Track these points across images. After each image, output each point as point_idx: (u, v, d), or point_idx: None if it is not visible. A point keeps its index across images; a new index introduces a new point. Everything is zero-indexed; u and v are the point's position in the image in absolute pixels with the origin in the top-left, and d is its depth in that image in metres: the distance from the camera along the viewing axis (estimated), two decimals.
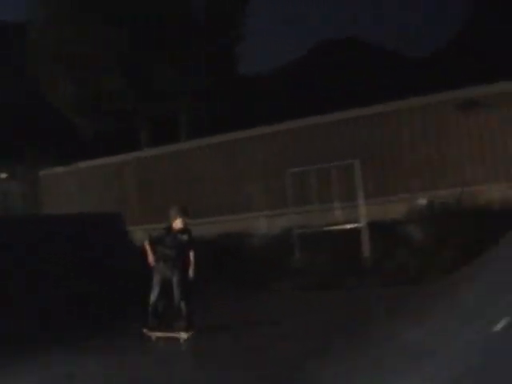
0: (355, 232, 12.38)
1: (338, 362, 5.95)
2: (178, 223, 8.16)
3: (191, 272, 8.16)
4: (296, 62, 33.40)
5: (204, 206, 15.67)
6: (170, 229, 8.23)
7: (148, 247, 8.22)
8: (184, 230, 8.22)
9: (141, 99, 20.83)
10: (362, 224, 12.27)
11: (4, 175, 24.08)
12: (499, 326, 4.44)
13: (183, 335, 7.95)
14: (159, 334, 8.14)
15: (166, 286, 8.15)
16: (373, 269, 11.67)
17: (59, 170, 19.90)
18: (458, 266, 10.23)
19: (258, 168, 15.29)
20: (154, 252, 8.18)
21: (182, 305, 8.01)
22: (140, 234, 15.73)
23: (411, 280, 10.68)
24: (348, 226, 12.44)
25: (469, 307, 6.28)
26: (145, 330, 8.19)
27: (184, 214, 8.25)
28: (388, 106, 14.25)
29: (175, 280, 8.06)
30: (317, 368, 5.81)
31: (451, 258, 10.89)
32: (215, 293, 11.20)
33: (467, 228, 11.46)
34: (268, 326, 8.53)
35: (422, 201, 12.89)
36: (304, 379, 5.63)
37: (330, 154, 13.96)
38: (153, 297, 8.17)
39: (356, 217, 12.54)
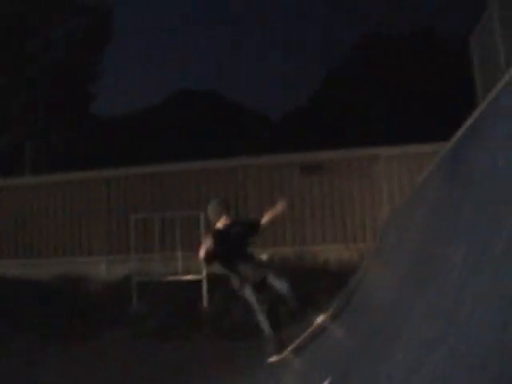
0: (196, 283, 12.30)
1: None
2: (223, 220, 7.28)
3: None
4: (152, 108, 33.39)
5: (43, 245, 14.92)
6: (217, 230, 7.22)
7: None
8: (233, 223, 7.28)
9: None
10: (202, 275, 12.22)
11: None
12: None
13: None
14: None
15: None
16: (210, 321, 11.58)
17: None
18: (297, 322, 10.47)
19: (101, 211, 14.84)
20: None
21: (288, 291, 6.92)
22: None
23: (247, 334, 10.72)
24: (188, 277, 12.34)
25: (302, 364, 6.37)
26: (271, 360, 6.85)
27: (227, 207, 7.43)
28: (236, 161, 14.57)
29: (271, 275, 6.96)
30: None
31: (289, 314, 11.09)
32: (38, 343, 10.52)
33: (306, 285, 11.78)
34: None
35: (264, 256, 13.14)
36: None
37: (176, 202, 13.94)
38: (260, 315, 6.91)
39: (197, 268, 12.47)
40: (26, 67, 20.23)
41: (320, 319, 6.95)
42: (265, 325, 6.98)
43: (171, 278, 12.48)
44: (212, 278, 12.29)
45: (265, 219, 7.53)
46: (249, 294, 6.95)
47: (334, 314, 7.36)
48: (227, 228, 7.28)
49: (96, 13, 22.44)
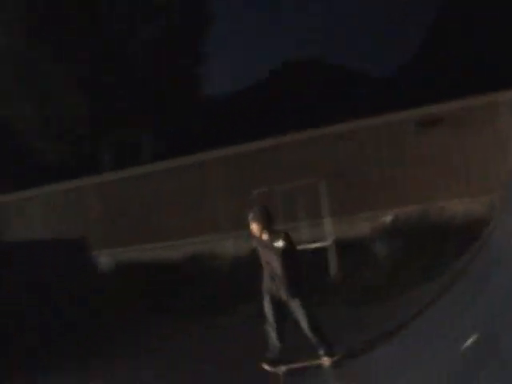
0: (322, 250, 12.34)
1: None
2: (253, 229, 6.96)
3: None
4: (258, 84, 33.50)
5: (170, 227, 15.59)
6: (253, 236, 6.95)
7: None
8: (273, 238, 6.85)
9: (102, 123, 20.65)
10: (327, 243, 12.23)
11: None
12: (468, 343, 4.40)
13: (326, 361, 6.68)
14: (293, 366, 6.79)
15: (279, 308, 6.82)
16: (339, 287, 11.61)
17: (19, 195, 19.44)
18: (425, 281, 10.29)
19: (221, 190, 15.22)
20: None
21: (309, 329, 6.68)
22: (104, 259, 15.53)
23: (377, 298, 10.66)
24: (314, 246, 12.38)
25: (436, 323, 6.26)
26: (265, 365, 6.84)
27: (261, 217, 6.93)
28: (351, 125, 14.37)
29: (291, 302, 6.68)
30: None
31: (417, 273, 10.93)
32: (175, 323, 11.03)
33: (432, 244, 11.52)
34: None
35: (388, 217, 12.96)
36: None
37: (297, 173, 13.99)
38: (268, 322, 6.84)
39: (322, 236, 12.50)
40: (133, 61, 20.90)
41: None
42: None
43: (298, 247, 12.51)
44: (337, 244, 12.30)
45: None
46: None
47: (464, 270, 7.14)
48: None
49: None
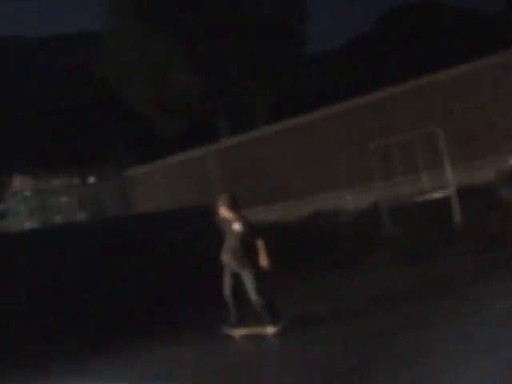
0: (444, 200, 12.11)
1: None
2: (222, 212, 7.80)
3: (263, 263, 7.43)
4: (368, 34, 32.75)
5: (289, 189, 15.84)
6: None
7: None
8: (235, 220, 7.61)
9: (216, 90, 21.17)
10: (450, 191, 11.96)
11: (92, 179, 25.20)
12: None
13: (270, 329, 7.34)
14: (243, 331, 7.56)
15: (237, 281, 7.58)
16: (464, 236, 11.39)
17: (143, 168, 20.54)
18: None
19: (339, 146, 15.24)
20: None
21: (259, 300, 7.34)
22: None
23: (505, 245, 10.37)
24: (436, 195, 12.16)
25: None
26: (225, 330, 7.64)
27: (229, 203, 7.72)
28: (468, 67, 13.83)
29: (244, 276, 7.47)
30: None
31: None
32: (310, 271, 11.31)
33: None
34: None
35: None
36: None
37: (412, 123, 13.74)
38: (225, 291, 7.61)
39: (444, 184, 12.26)
40: (240, 26, 21.16)
41: None
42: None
43: (419, 198, 12.38)
44: (460, 192, 12.02)
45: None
46: None
47: None
48: None
49: None
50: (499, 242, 10.61)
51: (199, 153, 18.54)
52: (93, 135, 67.04)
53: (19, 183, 62.40)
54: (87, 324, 9.57)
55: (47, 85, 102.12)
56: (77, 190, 48.98)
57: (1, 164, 67.42)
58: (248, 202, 16.68)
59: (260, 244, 7.46)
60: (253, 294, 7.38)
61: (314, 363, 5.87)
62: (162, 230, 12.30)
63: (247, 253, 7.50)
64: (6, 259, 10.16)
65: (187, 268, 11.32)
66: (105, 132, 61.95)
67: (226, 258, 7.59)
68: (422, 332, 6.11)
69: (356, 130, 14.92)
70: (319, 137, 15.69)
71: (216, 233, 13.40)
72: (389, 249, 11.78)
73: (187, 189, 18.17)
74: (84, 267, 11.02)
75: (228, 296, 7.57)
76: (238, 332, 7.62)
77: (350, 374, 5.20)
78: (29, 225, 50.21)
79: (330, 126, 15.51)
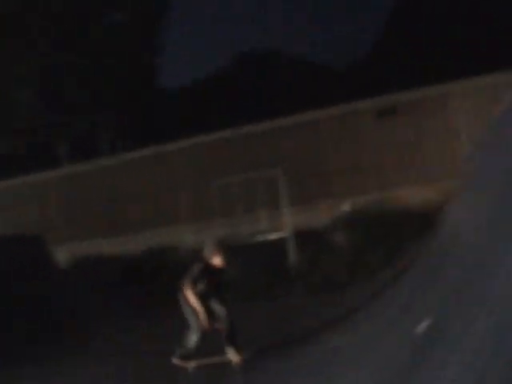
0: (281, 241, 12.40)
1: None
2: (217, 260, 7.43)
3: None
4: (218, 74, 33.36)
5: (130, 220, 15.47)
6: (207, 266, 7.41)
7: (193, 297, 7.06)
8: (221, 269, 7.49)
9: (56, 115, 20.30)
10: (286, 232, 12.29)
11: None
12: (421, 328, 4.49)
13: (235, 358, 7.03)
14: (200, 362, 7.12)
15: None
16: (300, 278, 11.70)
17: None
18: (383, 269, 10.44)
19: (181, 181, 15.15)
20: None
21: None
22: (64, 254, 15.32)
23: (337, 287, 10.77)
24: (273, 236, 12.43)
25: (394, 310, 6.37)
26: (176, 360, 7.15)
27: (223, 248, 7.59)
28: (308, 116, 14.44)
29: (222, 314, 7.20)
30: None
31: (375, 262, 11.08)
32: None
33: (390, 233, 11.68)
34: None
35: (346, 207, 13.09)
36: None
37: (254, 163, 14.04)
38: (194, 336, 7.05)
39: (281, 225, 12.57)
40: (91, 52, 20.65)
41: None
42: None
43: (258, 238, 12.58)
44: (297, 234, 12.36)
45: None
46: None
47: (417, 258, 7.28)
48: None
49: None
50: (331, 283, 11.02)
51: (38, 178, 17.47)
52: None
53: None
54: None
55: None
56: None
57: None
58: (86, 233, 16.06)
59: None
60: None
61: None
62: None
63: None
64: None
65: None
66: None
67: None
68: None
69: (200, 166, 14.93)
70: (163, 170, 15.49)
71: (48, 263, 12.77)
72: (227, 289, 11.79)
73: (22, 215, 17.01)
74: None
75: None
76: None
77: None
78: None
79: (174, 160, 15.39)
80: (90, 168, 16.85)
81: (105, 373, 7.58)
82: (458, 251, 5.30)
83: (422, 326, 4.47)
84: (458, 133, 12.93)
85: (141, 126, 23.80)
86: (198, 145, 15.19)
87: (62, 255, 14.90)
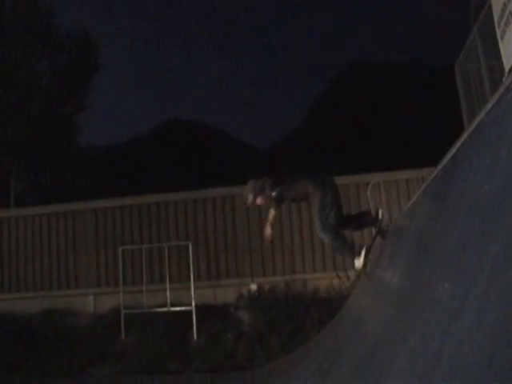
0: (185, 314, 12.17)
1: None
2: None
3: None
4: (139, 138, 33.42)
5: (29, 278, 14.79)
6: None
7: None
8: None
9: None
10: (191, 306, 12.09)
11: None
12: None
13: None
14: None
15: None
16: (200, 353, 11.44)
17: None
18: (286, 351, 10.39)
19: (88, 243, 14.70)
20: None
21: None
22: None
23: (238, 365, 10.61)
24: (178, 308, 12.20)
25: None
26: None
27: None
28: (224, 191, 14.50)
29: None
30: None
31: (279, 343, 11.03)
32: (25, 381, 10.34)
33: (294, 314, 11.71)
34: None
35: (253, 286, 13.09)
36: None
37: (166, 233, 13.91)
38: None
39: (187, 299, 12.35)
40: (11, 100, 20.27)
41: None
42: None
43: (160, 309, 12.34)
44: (201, 309, 12.18)
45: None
46: None
47: (321, 341, 7.30)
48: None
49: (82, 46, 22.67)
50: (232, 361, 10.84)
51: None
52: None
53: None
54: None
55: None
56: None
57: None
58: None
59: None
60: None
61: None
62: None
63: None
64: None
65: None
66: None
67: None
68: None
69: (109, 229, 14.58)
70: (70, 230, 14.99)
71: None
72: (122, 359, 11.38)
73: None
74: None
75: None
76: None
77: None
78: None
79: (84, 220, 14.95)
80: None
81: None
82: (358, 338, 5.33)
83: None
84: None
85: (54, 181, 23.24)
86: (109, 207, 14.87)
87: None
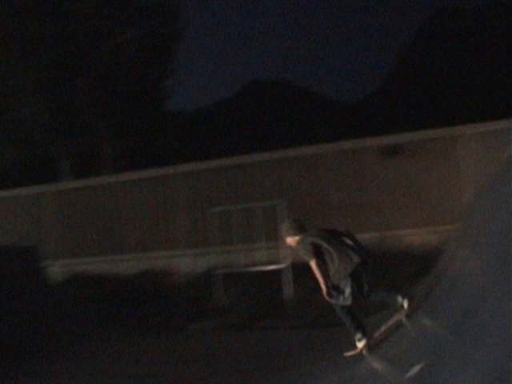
0: (278, 272, 12.28)
1: None
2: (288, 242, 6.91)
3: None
4: (226, 101, 33.59)
5: (126, 241, 15.37)
6: None
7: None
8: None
9: (60, 130, 20.34)
10: (284, 265, 12.17)
11: None
12: (411, 373, 4.39)
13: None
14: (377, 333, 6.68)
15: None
16: (293, 310, 11.55)
17: None
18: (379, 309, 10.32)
19: (181, 205, 15.08)
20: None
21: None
22: (57, 269, 15.22)
23: (333, 321, 10.64)
24: (270, 267, 12.32)
25: (383, 351, 6.24)
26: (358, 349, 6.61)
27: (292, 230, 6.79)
28: (313, 149, 14.44)
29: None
30: None
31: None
32: (126, 337, 10.80)
33: (388, 272, 11.58)
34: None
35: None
36: None
37: (256, 193, 14.01)
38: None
39: (279, 257, 12.46)
40: (99, 69, 20.77)
41: (402, 311, 6.67)
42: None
43: (254, 268, 12.49)
44: (296, 267, 12.24)
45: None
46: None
47: (418, 301, 7.15)
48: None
49: (164, 12, 22.83)
50: (326, 319, 10.88)
51: (35, 190, 17.38)
52: None
53: None
54: None
55: None
56: None
57: None
58: (81, 250, 15.97)
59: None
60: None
61: None
62: None
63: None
64: None
65: None
66: None
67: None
68: None
69: (201, 192, 14.89)
70: (163, 193, 15.43)
71: (41, 278, 12.61)
72: (218, 317, 11.67)
73: (16, 227, 16.92)
74: None
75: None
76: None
77: None
78: None
79: (175, 184, 15.33)
80: (88, 185, 16.80)
81: None
82: (459, 291, 5.22)
83: (415, 370, 4.37)
84: (464, 177, 12.90)
85: (144, 147, 23.83)
86: (201, 170, 15.16)
87: (54, 270, 14.81)
